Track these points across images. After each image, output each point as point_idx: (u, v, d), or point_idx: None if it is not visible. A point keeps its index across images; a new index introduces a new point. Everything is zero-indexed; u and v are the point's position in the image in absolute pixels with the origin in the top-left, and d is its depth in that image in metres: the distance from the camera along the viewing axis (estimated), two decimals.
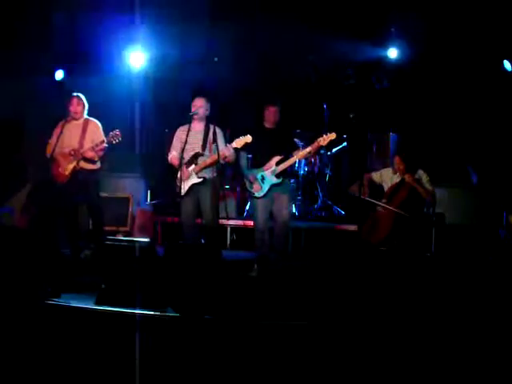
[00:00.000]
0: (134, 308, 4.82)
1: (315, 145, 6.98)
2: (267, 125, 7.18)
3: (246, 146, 7.04)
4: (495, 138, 9.08)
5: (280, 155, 7.03)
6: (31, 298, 5.05)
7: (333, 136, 6.92)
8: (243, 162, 7.16)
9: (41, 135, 7.94)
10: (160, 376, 4.19)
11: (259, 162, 7.10)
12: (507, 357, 4.29)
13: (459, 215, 8.45)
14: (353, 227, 8.19)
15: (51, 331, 4.50)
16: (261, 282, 6.27)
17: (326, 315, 4.69)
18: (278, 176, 7.02)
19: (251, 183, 7.02)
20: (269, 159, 7.04)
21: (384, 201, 7.14)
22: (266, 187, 7.00)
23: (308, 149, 7.04)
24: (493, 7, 8.33)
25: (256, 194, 7.01)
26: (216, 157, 6.74)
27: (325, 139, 6.90)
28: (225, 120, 8.24)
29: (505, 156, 8.92)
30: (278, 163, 7.02)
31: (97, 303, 5.13)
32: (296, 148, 7.34)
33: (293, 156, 7.09)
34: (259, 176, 7.01)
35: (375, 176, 7.51)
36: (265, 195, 7.01)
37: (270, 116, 7.12)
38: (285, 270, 6.88)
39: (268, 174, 7.01)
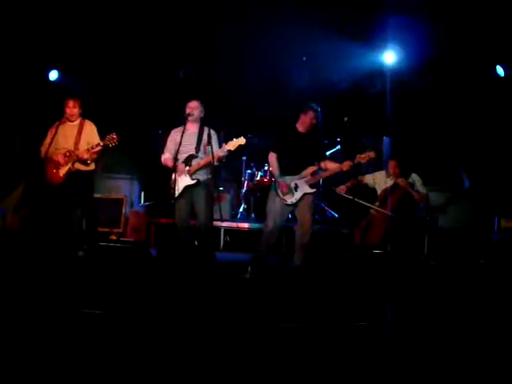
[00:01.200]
0: (126, 308, 4.81)
1: (349, 163, 6.83)
2: (301, 129, 7.09)
3: (278, 148, 7.01)
4: (488, 142, 9.13)
5: (314, 164, 6.96)
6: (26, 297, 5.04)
7: (372, 155, 6.79)
8: (275, 164, 7.04)
9: (35, 136, 7.95)
10: (154, 378, 4.19)
11: (293, 169, 6.98)
12: (499, 357, 4.32)
13: (452, 219, 8.49)
14: (346, 230, 8.23)
15: (47, 332, 4.49)
16: (254, 283, 6.27)
17: (320, 317, 4.70)
18: (312, 186, 6.96)
19: (284, 192, 6.96)
20: (303, 167, 6.95)
21: (377, 204, 7.16)
22: (298, 196, 6.93)
23: (342, 166, 6.91)
24: (485, 13, 8.37)
25: (288, 202, 6.93)
26: (210, 158, 6.75)
27: (364, 157, 6.78)
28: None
29: (497, 160, 8.98)
30: (313, 174, 6.95)
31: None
32: (324, 156, 7.28)
33: (325, 169, 7.00)
34: (293, 184, 6.93)
35: (368, 178, 7.51)
36: (296, 202, 6.98)
37: (307, 121, 7.00)
38: (280, 272, 6.89)
39: (303, 184, 6.92)
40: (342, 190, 7.37)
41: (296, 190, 6.88)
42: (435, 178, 8.73)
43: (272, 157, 7.06)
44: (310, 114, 6.99)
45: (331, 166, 7.02)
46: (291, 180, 6.90)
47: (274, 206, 6.99)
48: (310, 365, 4.27)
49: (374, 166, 8.73)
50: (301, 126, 7.05)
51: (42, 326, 4.52)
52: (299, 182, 6.90)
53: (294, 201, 6.89)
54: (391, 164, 7.15)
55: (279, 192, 6.90)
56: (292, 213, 7.29)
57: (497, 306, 5.27)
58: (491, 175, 8.93)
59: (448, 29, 8.68)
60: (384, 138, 9.71)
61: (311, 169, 6.94)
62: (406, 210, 7.02)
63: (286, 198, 6.89)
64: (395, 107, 9.66)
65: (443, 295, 5.71)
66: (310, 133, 7.08)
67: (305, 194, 6.91)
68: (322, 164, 7.04)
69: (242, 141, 6.75)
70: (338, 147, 9.55)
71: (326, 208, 9.53)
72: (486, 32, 8.52)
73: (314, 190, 6.97)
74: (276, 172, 7.03)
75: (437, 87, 9.43)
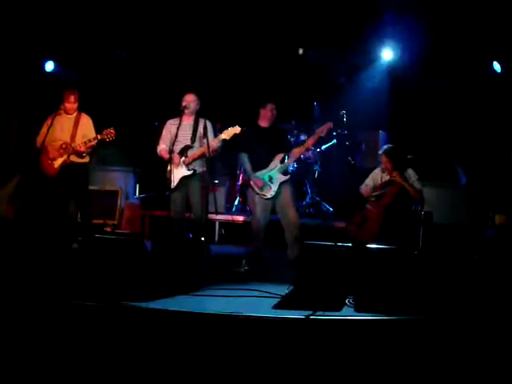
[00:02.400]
0: (121, 301, 4.80)
1: (315, 137, 7.05)
2: (263, 124, 7.19)
3: (245, 147, 7.10)
4: (484, 138, 9.13)
5: (281, 153, 7.07)
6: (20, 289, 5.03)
7: (330, 125, 7.05)
8: (247, 164, 7.15)
9: (30, 127, 7.93)
10: (150, 371, 4.19)
11: (263, 163, 7.09)
12: (494, 352, 4.33)
13: (447, 214, 8.50)
14: (341, 224, 8.23)
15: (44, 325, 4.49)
16: (249, 277, 6.27)
17: (317, 311, 4.70)
18: (285, 173, 7.03)
19: (260, 188, 7.00)
20: (271, 159, 7.06)
21: (372, 199, 7.15)
22: (275, 187, 7.00)
23: (305, 145, 7.10)
24: (482, 9, 8.36)
25: (268, 196, 7.00)
26: (205, 149, 6.76)
27: (322, 130, 7.00)
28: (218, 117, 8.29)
29: (493, 156, 8.98)
30: (281, 161, 7.04)
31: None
32: (290, 146, 7.40)
33: (290, 156, 7.11)
34: (267, 177, 7.00)
35: (368, 182, 7.38)
36: (274, 195, 7.03)
37: (268, 114, 7.13)
38: (275, 266, 6.90)
39: (275, 173, 7.02)
40: (368, 193, 7.30)
41: (272, 182, 6.97)
42: (431, 173, 8.73)
43: (243, 157, 7.18)
44: (269, 106, 7.15)
45: (296, 149, 7.21)
46: (264, 174, 7.03)
47: (253, 203, 7.08)
48: (305, 360, 4.28)
49: (371, 158, 8.75)
50: (263, 121, 7.19)
51: (35, 317, 4.52)
52: (272, 173, 7.01)
53: (273, 193, 7.00)
54: (383, 159, 7.14)
55: (256, 189, 6.98)
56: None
57: (490, 302, 5.28)
58: (487, 171, 8.93)
59: (444, 25, 8.67)
60: (380, 132, 9.71)
61: (278, 157, 7.07)
62: (401, 204, 7.01)
63: (264, 192, 6.98)
64: (392, 102, 9.68)
65: (436, 290, 5.71)
66: (273, 125, 7.22)
67: (281, 184, 7.01)
68: (291, 152, 7.17)
69: (236, 129, 6.78)
70: (334, 141, 9.54)
71: (321, 202, 9.53)
72: (483, 29, 8.51)
73: (288, 176, 7.08)
74: (249, 170, 7.14)
75: (434, 83, 9.43)
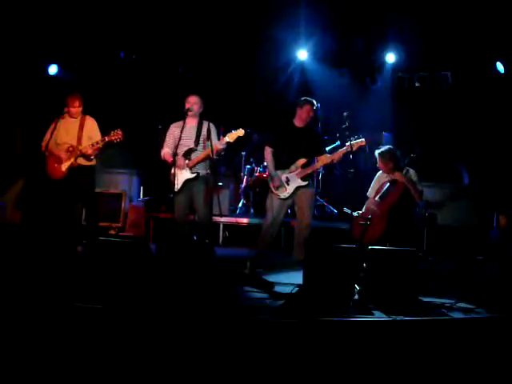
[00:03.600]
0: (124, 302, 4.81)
1: (342, 151, 6.95)
2: (298, 124, 7.13)
3: (273, 143, 7.05)
4: (487, 139, 9.13)
5: (306, 157, 7.00)
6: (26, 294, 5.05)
7: (363, 143, 6.87)
8: (270, 160, 7.11)
9: (35, 130, 7.95)
10: (152, 373, 4.20)
11: (285, 162, 7.06)
12: (497, 354, 4.33)
13: (450, 216, 8.49)
14: (345, 226, 8.22)
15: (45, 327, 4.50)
16: (254, 279, 6.27)
17: (316, 313, 4.70)
18: (304, 179, 7.00)
19: (276, 186, 6.99)
20: (295, 160, 7.01)
21: (377, 199, 7.14)
22: (291, 189, 6.98)
23: (335, 155, 7.01)
24: (485, 10, 8.36)
25: (281, 196, 6.99)
26: (209, 151, 6.76)
27: (354, 145, 6.85)
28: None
29: (496, 157, 8.97)
30: (304, 166, 7.00)
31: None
32: (322, 150, 7.32)
33: (318, 160, 7.07)
34: (284, 178, 7.00)
35: (370, 193, 7.35)
36: (289, 196, 7.02)
37: (304, 115, 7.05)
38: (279, 268, 6.90)
39: (294, 177, 6.99)
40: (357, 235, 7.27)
41: (288, 184, 6.95)
42: (434, 174, 8.73)
43: (267, 152, 7.14)
44: (307, 107, 7.04)
45: (323, 158, 7.09)
46: (282, 174, 6.99)
47: (270, 202, 7.06)
48: (306, 361, 4.29)
49: (372, 161, 8.73)
50: (298, 121, 7.10)
51: (41, 319, 4.53)
52: (290, 176, 6.98)
53: (287, 195, 6.96)
54: (377, 160, 7.10)
55: (271, 187, 6.97)
56: (292, 208, 7.31)
57: (495, 302, 5.27)
58: (490, 172, 8.92)
59: (448, 25, 8.67)
60: (384, 133, 9.70)
61: (301, 161, 6.99)
62: (404, 205, 6.99)
63: (278, 192, 6.98)
64: (395, 103, 9.68)
65: (441, 291, 5.72)
66: (307, 127, 7.12)
67: (298, 188, 6.98)
68: (318, 157, 7.09)
69: (240, 132, 6.78)
70: (338, 143, 9.54)
71: (325, 204, 9.53)
72: (487, 29, 8.51)
73: (306, 182, 7.01)
74: (270, 167, 7.12)
75: (437, 83, 9.43)
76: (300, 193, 7.01)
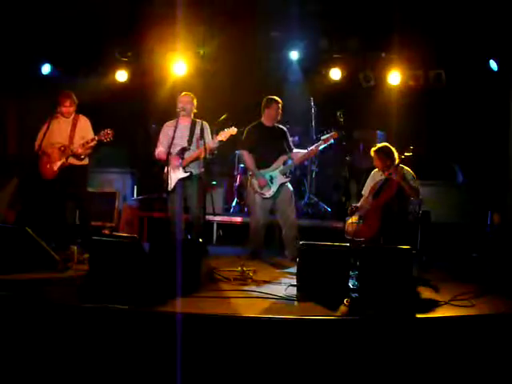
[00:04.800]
0: (119, 303, 4.79)
1: (319, 144, 7.05)
2: (267, 123, 7.20)
3: (248, 145, 7.14)
4: (481, 136, 9.14)
5: (284, 154, 7.11)
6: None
7: (335, 135, 7.09)
8: (251, 162, 7.20)
9: (28, 130, 7.92)
10: (148, 371, 4.19)
11: (265, 162, 7.14)
12: (495, 352, 4.34)
13: (445, 213, 8.50)
14: (339, 224, 8.21)
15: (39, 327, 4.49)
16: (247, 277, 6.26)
17: (313, 311, 4.70)
18: (286, 175, 7.07)
19: (261, 186, 7.04)
20: (274, 158, 7.09)
21: (370, 197, 7.13)
22: (275, 187, 7.05)
23: (314, 148, 7.11)
24: (479, 7, 8.36)
25: (267, 195, 7.07)
26: (202, 150, 6.77)
27: (328, 139, 7.06)
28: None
29: (490, 155, 8.99)
30: (284, 162, 7.09)
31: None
32: (291, 145, 7.40)
33: (292, 159, 7.14)
34: (268, 177, 7.05)
35: (368, 185, 7.36)
36: (273, 195, 7.06)
37: (272, 113, 7.15)
38: (273, 266, 6.90)
39: (277, 174, 7.09)
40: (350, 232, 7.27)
41: (272, 182, 7.03)
42: (429, 172, 8.73)
43: (245, 155, 7.24)
44: (274, 106, 7.19)
45: (299, 154, 7.27)
46: (265, 173, 7.09)
47: (253, 202, 7.13)
48: (299, 359, 4.28)
49: (367, 159, 8.73)
50: (267, 120, 7.23)
51: (34, 319, 4.52)
52: (273, 174, 7.05)
53: (272, 193, 7.07)
54: (373, 157, 7.11)
55: (256, 187, 7.02)
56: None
57: (490, 300, 5.29)
58: (485, 169, 8.94)
59: (442, 22, 8.67)
60: (377, 132, 9.70)
61: (282, 158, 7.14)
62: (398, 203, 6.99)
63: (263, 191, 7.04)
64: (389, 101, 9.67)
65: (436, 290, 5.73)
66: (276, 125, 7.29)
67: (281, 185, 7.09)
68: (292, 154, 7.23)
69: (233, 131, 6.81)
70: (332, 141, 9.52)
71: (319, 202, 9.53)
72: (480, 27, 8.51)
73: (289, 178, 7.16)
74: (252, 168, 7.19)
75: (431, 81, 9.44)
76: (283, 190, 7.10)
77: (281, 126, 7.46)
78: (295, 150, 7.40)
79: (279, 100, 7.28)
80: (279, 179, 7.10)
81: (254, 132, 7.25)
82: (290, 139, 7.60)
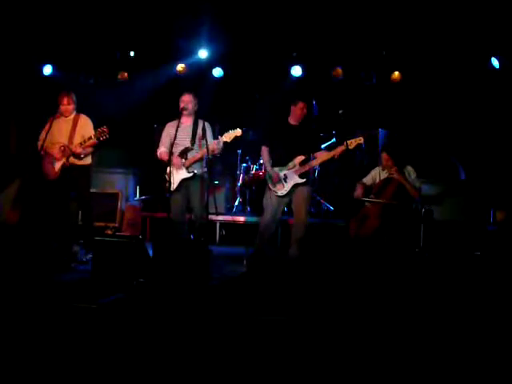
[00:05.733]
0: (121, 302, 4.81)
1: (341, 148, 6.93)
2: (292, 121, 7.15)
3: (268, 142, 7.08)
4: (483, 134, 9.13)
5: (304, 154, 7.01)
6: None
7: (360, 140, 6.82)
8: (267, 158, 7.15)
9: (30, 131, 7.93)
10: (150, 373, 4.19)
11: (282, 160, 7.06)
12: (496, 348, 4.33)
13: (447, 211, 8.48)
14: (341, 222, 8.22)
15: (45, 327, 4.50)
16: (250, 277, 6.27)
17: (314, 310, 4.71)
18: (301, 176, 7.01)
19: (274, 182, 7.00)
20: (292, 157, 7.02)
21: (371, 196, 7.15)
22: (288, 187, 6.99)
23: (333, 152, 7.00)
24: (481, 5, 8.35)
25: (279, 193, 7.00)
26: (205, 151, 6.75)
27: (352, 143, 6.81)
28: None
29: (492, 152, 8.98)
30: (301, 163, 7.01)
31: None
32: (318, 147, 7.31)
33: (315, 157, 7.08)
34: (282, 175, 7.01)
35: (366, 180, 7.41)
36: (287, 194, 7.02)
37: (298, 112, 7.08)
38: (278, 265, 6.90)
39: (291, 174, 6.99)
40: (359, 194, 7.28)
41: (286, 181, 6.96)
42: (430, 169, 8.72)
43: (264, 150, 7.17)
44: (300, 104, 7.06)
45: (324, 153, 7.09)
46: (280, 171, 6.99)
47: (268, 199, 7.06)
48: (299, 358, 4.29)
49: (370, 157, 8.74)
50: (292, 119, 7.13)
51: (38, 320, 4.52)
52: (288, 173, 6.99)
53: (285, 192, 6.97)
54: (383, 156, 7.14)
55: (270, 184, 6.98)
56: (288, 206, 7.31)
57: (493, 298, 5.28)
58: (487, 167, 8.93)
59: (443, 20, 8.66)
60: (379, 130, 9.70)
61: (299, 158, 6.99)
62: (401, 201, 7.00)
63: (276, 189, 6.98)
64: (390, 99, 9.67)
65: (439, 287, 5.72)
66: (302, 124, 7.14)
67: (296, 186, 6.98)
68: (316, 154, 7.09)
69: (238, 132, 6.76)
70: (334, 140, 9.53)
71: (322, 201, 9.53)
72: (482, 24, 8.50)
73: (304, 180, 6.99)
74: (267, 164, 7.13)
75: (432, 79, 9.42)
76: (297, 190, 7.02)
77: (309, 126, 7.30)
78: (322, 152, 7.21)
79: (305, 99, 7.16)
80: (293, 179, 6.99)
81: (275, 129, 7.22)
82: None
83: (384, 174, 7.19)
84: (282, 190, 6.98)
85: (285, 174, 6.98)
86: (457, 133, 9.42)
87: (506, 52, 8.75)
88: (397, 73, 9.39)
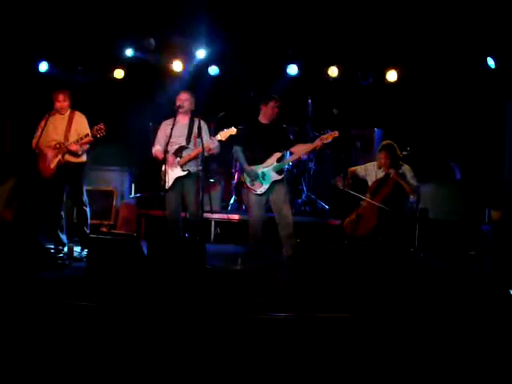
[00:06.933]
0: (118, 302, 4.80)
1: (317, 142, 7.02)
2: (263, 120, 7.20)
3: (241, 141, 7.11)
4: (479, 134, 9.14)
5: (279, 151, 7.06)
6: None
7: (335, 134, 6.95)
8: (241, 157, 7.20)
9: (25, 128, 7.91)
10: (146, 371, 4.19)
11: (258, 159, 7.13)
12: (491, 348, 4.34)
13: (442, 211, 8.49)
14: (337, 222, 8.22)
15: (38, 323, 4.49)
16: (245, 275, 6.27)
17: (313, 309, 4.71)
18: (279, 173, 7.05)
19: (252, 181, 7.03)
20: (267, 155, 7.08)
21: (368, 195, 7.16)
22: (267, 184, 7.03)
23: (310, 146, 7.08)
24: (476, 4, 8.36)
25: (258, 192, 7.06)
26: (200, 149, 6.75)
27: (328, 137, 6.94)
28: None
29: (488, 152, 8.99)
30: (278, 160, 7.05)
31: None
32: (293, 143, 7.36)
33: (292, 153, 7.14)
34: (260, 173, 7.04)
35: (359, 169, 7.50)
36: (265, 192, 7.05)
37: (269, 111, 7.15)
38: (272, 264, 6.90)
39: (269, 171, 7.05)
40: (339, 181, 7.32)
41: (264, 179, 7.00)
42: (426, 169, 8.73)
43: (237, 150, 7.25)
44: (271, 104, 7.19)
45: (300, 148, 7.20)
46: (257, 169, 7.07)
47: (248, 199, 7.13)
48: (297, 356, 4.28)
49: (365, 157, 8.74)
50: (263, 118, 7.23)
51: (33, 317, 4.51)
52: (266, 170, 7.01)
53: (264, 190, 7.06)
54: (381, 155, 7.15)
55: (248, 183, 7.01)
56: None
57: (487, 297, 5.29)
58: (482, 167, 8.94)
59: (439, 20, 8.66)
60: (375, 129, 9.70)
61: (276, 155, 7.08)
62: (396, 201, 7.02)
63: (255, 187, 7.02)
64: (386, 99, 9.67)
65: (433, 286, 5.73)
66: (274, 122, 7.25)
67: (274, 183, 7.05)
68: (292, 149, 7.20)
69: (232, 131, 6.79)
70: (329, 140, 9.51)
71: (317, 200, 9.53)
72: (477, 24, 8.51)
73: (282, 176, 7.11)
74: (243, 164, 7.21)
75: (428, 79, 9.42)
76: (276, 187, 7.08)
77: (280, 125, 7.44)
78: (297, 146, 7.32)
79: (277, 98, 7.27)
80: (272, 176, 7.08)
81: (247, 129, 7.25)
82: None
83: (380, 173, 7.19)
84: (261, 187, 7.06)
85: (262, 173, 7.05)
86: (452, 133, 9.42)
87: (502, 52, 8.76)
88: (393, 72, 9.37)
